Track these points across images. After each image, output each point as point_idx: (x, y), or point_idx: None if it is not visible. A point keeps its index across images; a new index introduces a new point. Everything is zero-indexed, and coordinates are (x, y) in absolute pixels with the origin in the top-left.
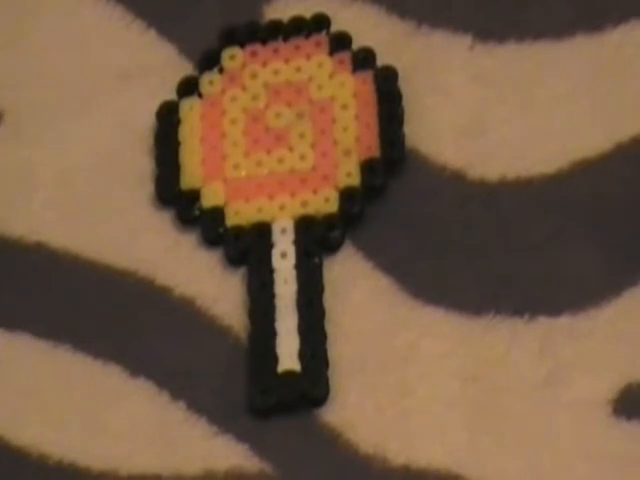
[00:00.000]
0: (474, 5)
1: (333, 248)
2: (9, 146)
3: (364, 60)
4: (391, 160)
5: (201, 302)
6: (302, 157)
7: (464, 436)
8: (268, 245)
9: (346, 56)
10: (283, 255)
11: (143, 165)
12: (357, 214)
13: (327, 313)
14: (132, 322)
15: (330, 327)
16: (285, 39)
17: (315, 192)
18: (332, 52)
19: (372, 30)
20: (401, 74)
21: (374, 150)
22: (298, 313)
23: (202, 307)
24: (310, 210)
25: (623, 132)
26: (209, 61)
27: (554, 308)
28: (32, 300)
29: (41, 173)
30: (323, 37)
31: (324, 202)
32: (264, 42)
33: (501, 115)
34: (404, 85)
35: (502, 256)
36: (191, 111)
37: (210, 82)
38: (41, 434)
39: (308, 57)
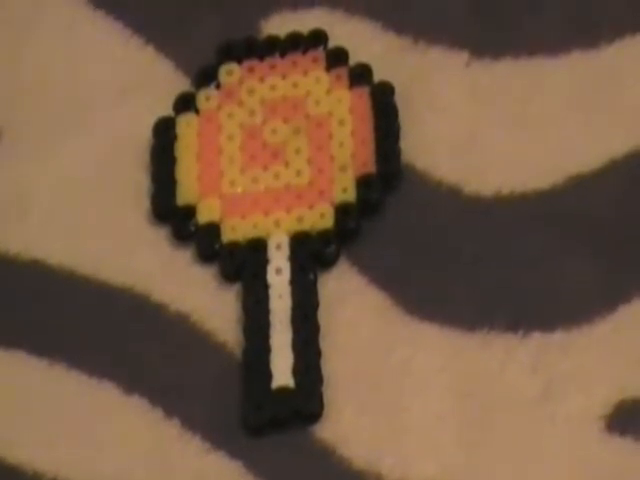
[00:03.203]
0: (470, 22)
1: (328, 264)
2: (7, 162)
3: (361, 76)
4: (387, 175)
5: (196, 318)
6: (298, 173)
7: (458, 452)
8: (263, 261)
9: (343, 72)
10: (278, 271)
11: (139, 181)
12: (353, 230)
13: (322, 329)
14: (127, 338)
15: (325, 343)
16: (282, 55)
17: (311, 208)
18: (329, 68)
19: (369, 46)
20: (397, 90)
21: (370, 166)
22: (293, 329)
23: (197, 323)
24: (305, 226)
25: (617, 148)
26: (206, 77)
27: (548, 324)
28: (27, 317)
29: (38, 189)
30: (320, 53)
31: (320, 218)
32: (261, 58)
33: (496, 131)
34: (400, 101)
35: (497, 272)
36: (188, 127)
37: (207, 98)
38: (36, 452)
39: (305, 73)
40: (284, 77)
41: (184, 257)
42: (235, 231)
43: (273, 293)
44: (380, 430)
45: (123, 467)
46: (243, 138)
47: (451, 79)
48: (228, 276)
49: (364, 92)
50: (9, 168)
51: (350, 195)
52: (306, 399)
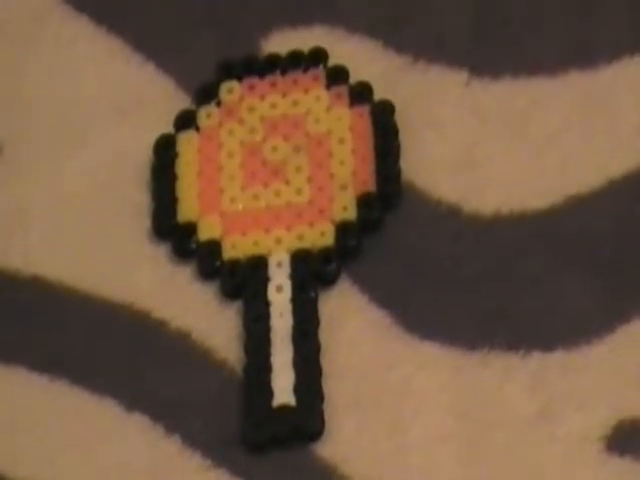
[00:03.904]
0: (470, 41)
1: (329, 282)
2: (6, 179)
3: (361, 94)
4: (387, 194)
5: (197, 335)
6: (298, 191)
7: (457, 471)
8: (264, 278)
9: (343, 90)
10: (279, 289)
11: (140, 198)
12: (353, 248)
13: (322, 347)
14: (128, 355)
15: (325, 361)
16: (282, 73)
17: (311, 226)
18: (329, 86)
19: (369, 64)
20: (397, 108)
21: (370, 184)
22: (293, 347)
23: (198, 340)
24: (306, 244)
25: (615, 168)
26: (207, 94)
27: (548, 343)
28: (28, 333)
29: (38, 206)
30: (320, 71)
31: (320, 236)
32: (262, 76)
33: (496, 150)
34: (400, 119)
35: (497, 291)
36: (188, 144)
37: (207, 115)
38: (37, 468)
39: (305, 91)
40: (284, 95)
41: (185, 274)
42: (236, 248)
43: (274, 311)
44: (380, 448)
45: None
46: (243, 156)
47: (451, 98)
48: (229, 293)
49: (364, 111)
50: (9, 183)
51: (350, 213)
52: (307, 417)
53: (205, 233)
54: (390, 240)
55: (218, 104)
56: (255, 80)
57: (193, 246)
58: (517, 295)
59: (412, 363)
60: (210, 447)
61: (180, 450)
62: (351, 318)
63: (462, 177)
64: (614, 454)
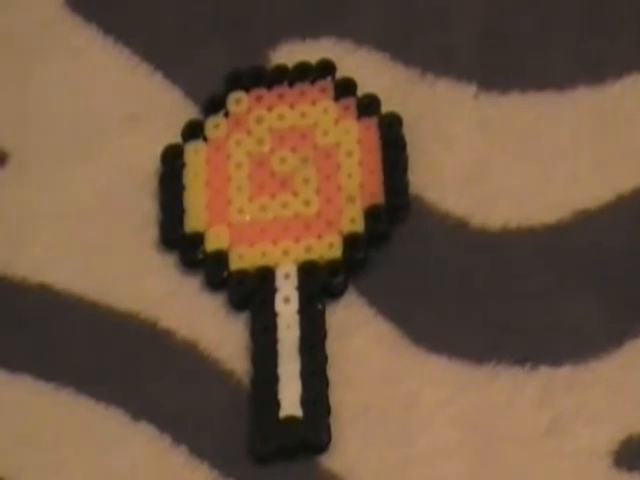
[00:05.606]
0: (478, 54)
1: (336, 294)
2: (14, 187)
3: (369, 106)
4: (395, 207)
5: (204, 346)
6: (306, 202)
7: None
8: (271, 290)
9: (351, 102)
10: (286, 300)
11: (147, 208)
12: (361, 260)
13: (329, 359)
14: (134, 365)
15: (332, 373)
16: (290, 84)
17: (319, 238)
18: (337, 98)
19: (377, 77)
20: (405, 121)
21: (378, 197)
22: (300, 359)
23: (205, 351)
24: (314, 255)
25: (624, 183)
26: (215, 105)
27: (555, 358)
28: (34, 341)
29: (45, 214)
30: (328, 83)
31: (328, 248)
32: (269, 87)
33: (504, 164)
34: (408, 132)
35: (504, 305)
36: (196, 155)
37: (215, 126)
38: (42, 477)
39: (313, 103)
40: (292, 107)
41: (192, 284)
42: (243, 259)
43: (281, 322)
44: (387, 461)
45: None
46: (251, 167)
47: (459, 111)
48: (236, 304)
49: (372, 123)
50: (16, 192)
51: (358, 226)
52: (314, 429)
53: (212, 244)
54: (398, 253)
55: (226, 115)
56: (263, 91)
57: (200, 256)
58: (524, 309)
59: (419, 376)
60: (217, 458)
61: (187, 461)
62: (358, 330)
63: (470, 191)
64: (623, 469)
